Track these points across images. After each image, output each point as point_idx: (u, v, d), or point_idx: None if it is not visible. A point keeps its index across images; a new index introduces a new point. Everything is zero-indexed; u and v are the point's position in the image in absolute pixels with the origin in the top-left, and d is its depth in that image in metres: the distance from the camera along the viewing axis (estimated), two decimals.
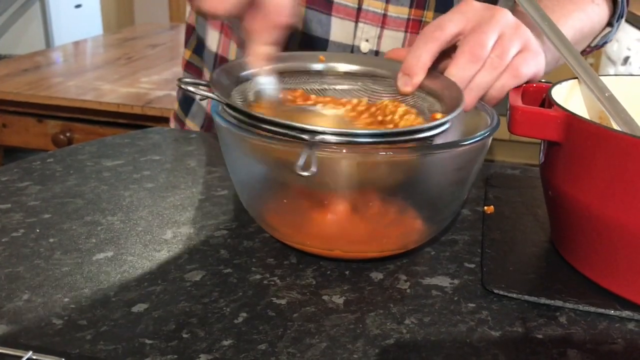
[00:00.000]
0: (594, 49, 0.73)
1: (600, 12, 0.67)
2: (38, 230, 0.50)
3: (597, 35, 0.70)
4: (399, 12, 0.68)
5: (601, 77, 0.52)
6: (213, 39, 0.79)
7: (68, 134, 1.65)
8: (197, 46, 0.83)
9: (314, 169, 0.38)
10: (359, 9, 0.68)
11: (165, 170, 0.64)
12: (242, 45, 0.49)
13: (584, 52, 0.71)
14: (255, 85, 0.50)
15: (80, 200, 0.56)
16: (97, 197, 0.57)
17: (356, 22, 0.69)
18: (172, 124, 0.91)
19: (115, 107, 1.57)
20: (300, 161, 0.38)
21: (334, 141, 0.40)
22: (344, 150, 0.41)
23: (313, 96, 0.54)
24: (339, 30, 0.69)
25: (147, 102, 1.58)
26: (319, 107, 0.52)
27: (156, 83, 1.75)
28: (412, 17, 0.68)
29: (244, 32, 0.48)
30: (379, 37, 0.69)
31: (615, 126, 0.48)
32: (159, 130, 0.76)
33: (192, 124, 0.86)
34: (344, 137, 0.40)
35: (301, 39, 0.70)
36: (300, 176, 0.37)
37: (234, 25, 0.48)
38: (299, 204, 0.48)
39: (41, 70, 1.90)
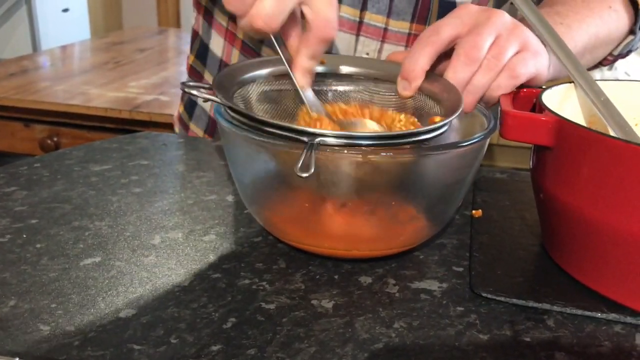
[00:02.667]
0: (617, 58, 0.71)
1: (618, 18, 0.65)
2: (25, 236, 0.50)
3: (620, 43, 0.68)
4: (400, 26, 0.68)
5: None
6: (218, 45, 0.79)
7: (55, 139, 1.64)
8: (200, 51, 0.83)
9: (312, 170, 0.38)
10: (360, 22, 0.68)
11: (154, 175, 0.64)
12: (288, 62, 0.49)
13: (605, 61, 0.70)
14: (303, 100, 0.50)
15: (67, 206, 0.56)
16: (84, 202, 0.57)
17: (357, 35, 0.69)
18: (176, 127, 0.91)
19: (103, 111, 1.56)
20: (299, 162, 0.39)
21: (333, 143, 0.41)
22: (346, 151, 0.42)
23: (349, 109, 0.55)
24: (340, 43, 0.69)
25: (135, 106, 1.57)
26: (362, 120, 0.53)
27: (144, 87, 1.74)
28: (413, 31, 0.68)
29: (286, 48, 0.49)
30: (379, 51, 0.70)
31: (610, 130, 0.48)
32: (147, 135, 0.76)
33: (195, 128, 0.86)
34: (343, 139, 0.41)
35: None
36: (300, 177, 0.38)
37: (278, 42, 0.49)
38: (310, 208, 0.48)
39: (28, 74, 1.89)
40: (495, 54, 0.49)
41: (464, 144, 0.44)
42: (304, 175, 0.38)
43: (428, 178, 0.47)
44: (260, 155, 0.47)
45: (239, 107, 0.46)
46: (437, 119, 0.48)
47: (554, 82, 0.57)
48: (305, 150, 0.39)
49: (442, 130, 0.45)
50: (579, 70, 0.50)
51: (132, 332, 0.39)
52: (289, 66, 0.49)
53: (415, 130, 0.43)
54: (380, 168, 0.44)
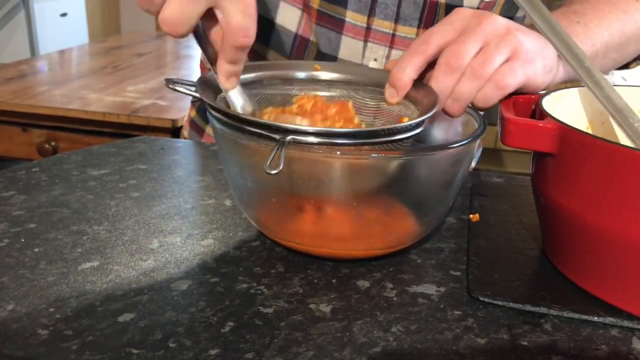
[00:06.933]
0: None
1: None
2: (23, 240, 0.50)
3: None
4: (407, 32, 0.68)
5: (581, 89, 0.53)
6: None
7: (53, 143, 1.64)
8: None
9: (281, 167, 0.38)
10: (369, 28, 0.69)
11: (152, 180, 0.64)
12: (211, 61, 0.48)
13: (639, 58, 0.68)
14: (231, 103, 0.50)
15: (65, 210, 0.56)
16: (82, 207, 0.57)
17: (365, 41, 0.69)
18: (186, 132, 0.90)
19: (101, 116, 1.56)
20: (269, 160, 0.39)
21: (304, 141, 0.41)
22: (337, 152, 0.42)
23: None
24: (347, 48, 0.69)
25: (133, 111, 1.57)
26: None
27: (142, 92, 1.75)
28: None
29: (210, 46, 0.48)
30: (387, 57, 0.70)
31: (619, 132, 0.48)
32: (145, 139, 0.76)
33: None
34: (317, 136, 0.41)
35: (315, 54, 0.71)
36: (269, 174, 0.39)
37: (201, 38, 0.48)
38: (285, 202, 0.48)
39: (26, 78, 1.89)
40: (480, 62, 0.48)
41: (451, 146, 0.44)
42: (273, 172, 0.38)
43: (415, 179, 0.47)
44: (242, 153, 0.47)
45: (217, 105, 0.46)
46: (405, 119, 0.49)
47: (572, 83, 0.56)
48: (275, 148, 0.40)
49: (419, 130, 0.46)
50: (586, 70, 0.48)
51: (130, 337, 0.39)
52: (212, 66, 0.49)
53: (391, 127, 0.44)
54: (364, 167, 0.44)
